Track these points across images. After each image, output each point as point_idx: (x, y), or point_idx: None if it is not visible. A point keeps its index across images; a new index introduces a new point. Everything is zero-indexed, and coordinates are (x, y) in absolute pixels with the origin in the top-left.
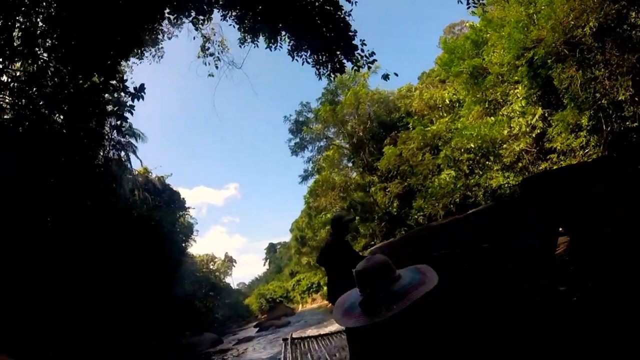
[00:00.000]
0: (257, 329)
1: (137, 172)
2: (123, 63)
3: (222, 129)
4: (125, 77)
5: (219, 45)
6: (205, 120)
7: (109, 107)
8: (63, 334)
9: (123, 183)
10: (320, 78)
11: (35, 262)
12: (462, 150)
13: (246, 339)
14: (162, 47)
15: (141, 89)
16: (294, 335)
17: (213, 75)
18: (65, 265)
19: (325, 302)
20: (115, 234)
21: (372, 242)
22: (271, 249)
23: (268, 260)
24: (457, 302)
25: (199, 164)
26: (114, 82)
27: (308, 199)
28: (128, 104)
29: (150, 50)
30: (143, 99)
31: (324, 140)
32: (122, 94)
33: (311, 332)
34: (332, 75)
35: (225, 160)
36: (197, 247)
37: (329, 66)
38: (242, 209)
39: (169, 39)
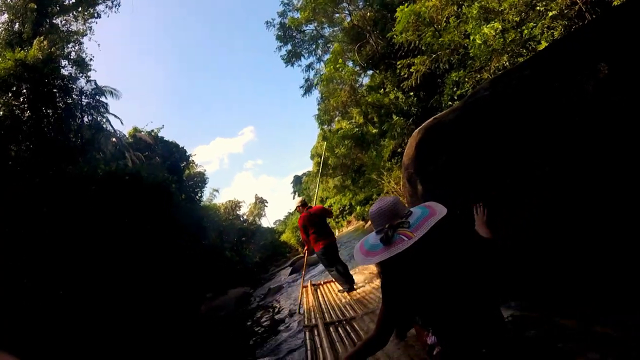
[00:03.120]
0: (291, 270)
1: (127, 135)
2: (82, 27)
3: (222, 73)
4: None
5: None
6: (203, 69)
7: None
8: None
9: (102, 147)
10: None
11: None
12: None
13: (276, 289)
14: None
15: None
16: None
17: None
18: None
19: (361, 222)
20: (80, 199)
21: (399, 149)
22: (297, 181)
23: (296, 193)
24: None
25: (210, 116)
26: None
27: (320, 114)
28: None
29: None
30: None
31: (321, 39)
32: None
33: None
34: None
35: (235, 105)
36: (226, 197)
37: None
38: (263, 150)
39: None
